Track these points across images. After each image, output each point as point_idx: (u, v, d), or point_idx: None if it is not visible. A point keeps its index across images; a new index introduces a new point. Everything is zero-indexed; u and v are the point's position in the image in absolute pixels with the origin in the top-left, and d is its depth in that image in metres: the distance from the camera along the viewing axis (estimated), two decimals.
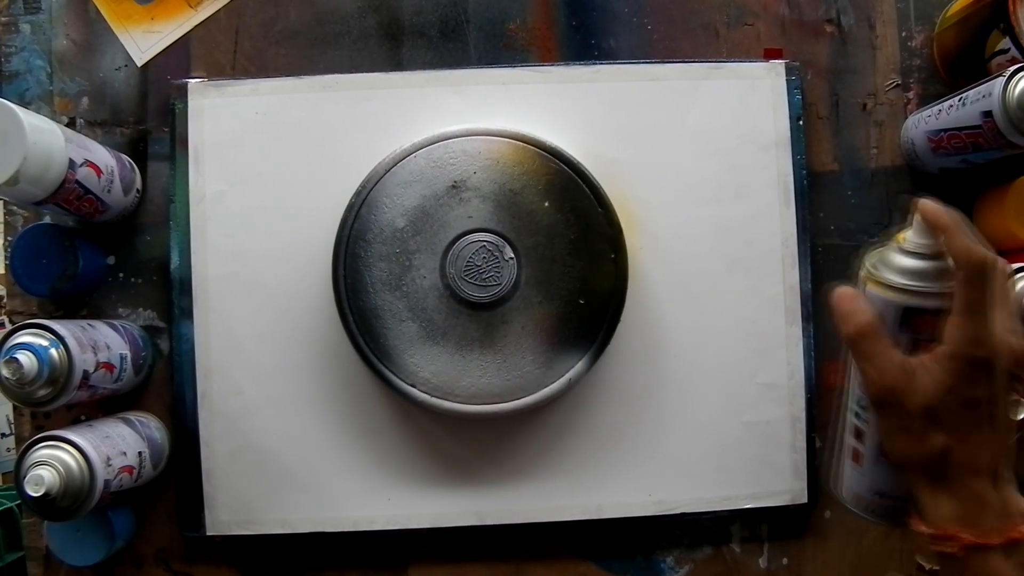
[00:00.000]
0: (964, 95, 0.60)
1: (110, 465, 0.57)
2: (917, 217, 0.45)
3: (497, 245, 0.63)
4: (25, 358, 0.54)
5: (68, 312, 0.68)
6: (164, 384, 0.67)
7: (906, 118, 0.70)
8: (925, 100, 0.70)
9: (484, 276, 0.63)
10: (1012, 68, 0.56)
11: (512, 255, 0.63)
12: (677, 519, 0.67)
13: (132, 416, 0.65)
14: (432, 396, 0.63)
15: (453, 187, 0.63)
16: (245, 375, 0.66)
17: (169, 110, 0.67)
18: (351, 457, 0.66)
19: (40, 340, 0.55)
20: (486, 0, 0.70)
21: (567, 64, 0.69)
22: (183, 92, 0.67)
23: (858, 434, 0.49)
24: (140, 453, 0.62)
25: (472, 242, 0.63)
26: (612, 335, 0.64)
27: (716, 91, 0.68)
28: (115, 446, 0.59)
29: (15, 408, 0.67)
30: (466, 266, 0.63)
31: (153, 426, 0.65)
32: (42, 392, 0.55)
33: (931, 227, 0.44)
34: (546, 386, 0.64)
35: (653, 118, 0.68)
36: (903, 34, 0.70)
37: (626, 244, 0.64)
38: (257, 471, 0.66)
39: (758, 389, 0.67)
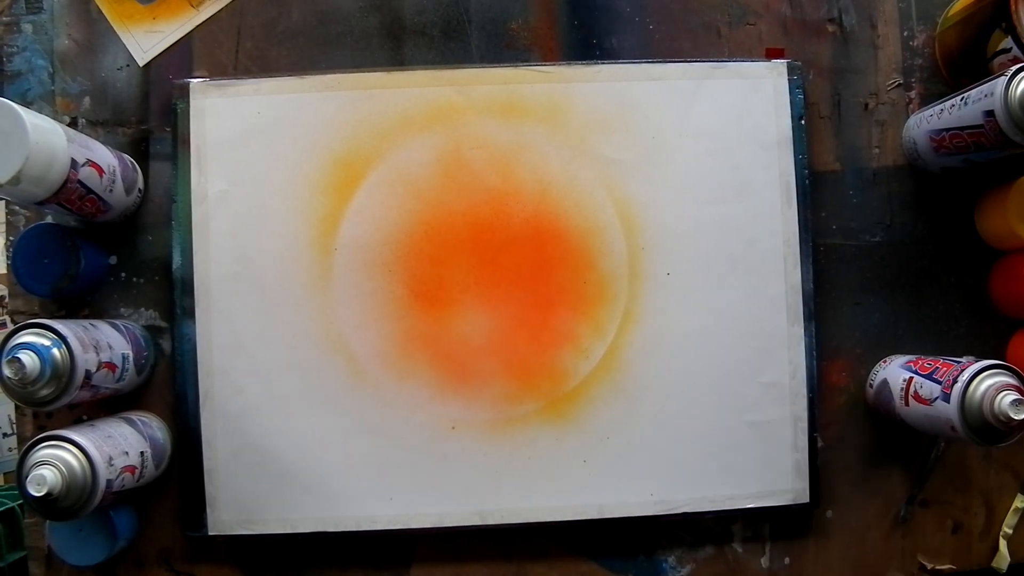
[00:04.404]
0: (966, 95, 0.60)
1: (112, 465, 0.57)
2: None
3: None
4: (27, 358, 0.54)
5: (70, 312, 0.68)
6: (166, 384, 0.67)
7: (908, 118, 0.69)
8: (927, 100, 0.70)
9: None
10: (1014, 68, 0.56)
11: None
12: (679, 519, 0.67)
13: (134, 416, 0.65)
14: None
15: None
16: (247, 375, 0.66)
17: (171, 110, 0.67)
18: (353, 457, 0.66)
19: (42, 340, 0.55)
20: (488, 0, 0.70)
21: (569, 63, 0.69)
22: (185, 92, 0.67)
23: None
24: (142, 453, 0.62)
25: None
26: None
27: (718, 91, 0.68)
28: (117, 446, 0.59)
29: (17, 408, 0.67)
30: None
31: (155, 426, 0.65)
32: (44, 392, 0.55)
33: None
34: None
35: (655, 117, 0.68)
36: (905, 34, 0.70)
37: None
38: (259, 471, 0.66)
39: (760, 388, 0.67)
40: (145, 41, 0.69)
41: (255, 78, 0.68)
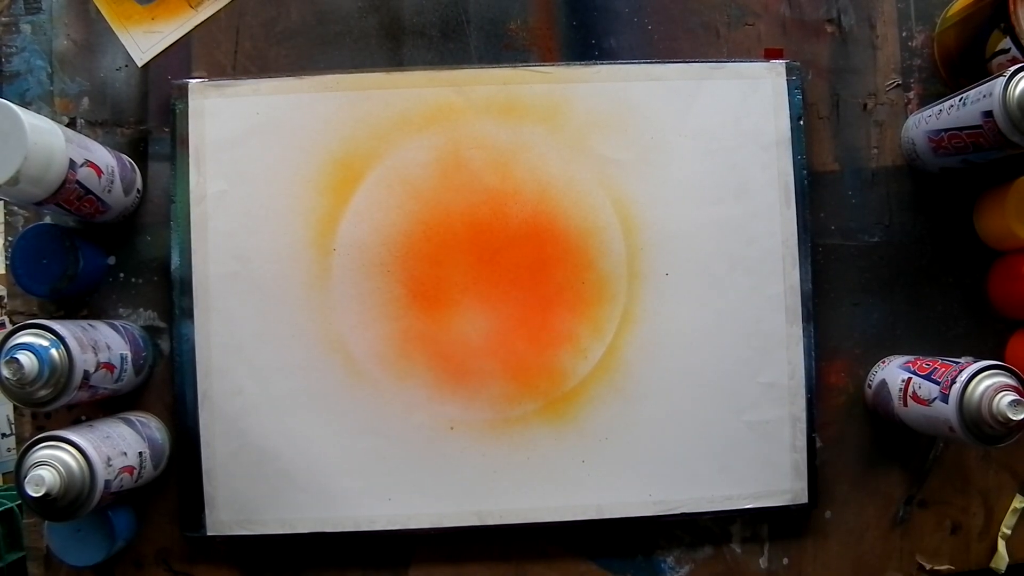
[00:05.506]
0: (965, 95, 0.60)
1: (110, 465, 0.57)
2: None
3: None
4: (26, 358, 0.54)
5: (68, 312, 0.68)
6: (165, 384, 0.67)
7: (907, 118, 0.70)
8: (926, 100, 0.70)
9: None
10: (1013, 68, 0.56)
11: None
12: (677, 519, 0.67)
13: (133, 416, 0.65)
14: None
15: None
16: (246, 375, 0.66)
17: (170, 110, 0.67)
18: (351, 457, 0.66)
19: (41, 340, 0.55)
20: (487, 0, 0.70)
21: (567, 64, 0.69)
22: (184, 92, 0.67)
23: None
24: (141, 453, 0.62)
25: None
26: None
27: (717, 91, 0.68)
28: (115, 446, 0.59)
29: (15, 408, 0.67)
30: None
31: (154, 426, 0.65)
32: (42, 392, 0.55)
33: None
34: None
35: (653, 118, 0.68)
36: (903, 34, 0.70)
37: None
38: (257, 471, 0.66)
39: (759, 389, 0.67)
40: (144, 41, 0.69)
41: (254, 78, 0.68)
